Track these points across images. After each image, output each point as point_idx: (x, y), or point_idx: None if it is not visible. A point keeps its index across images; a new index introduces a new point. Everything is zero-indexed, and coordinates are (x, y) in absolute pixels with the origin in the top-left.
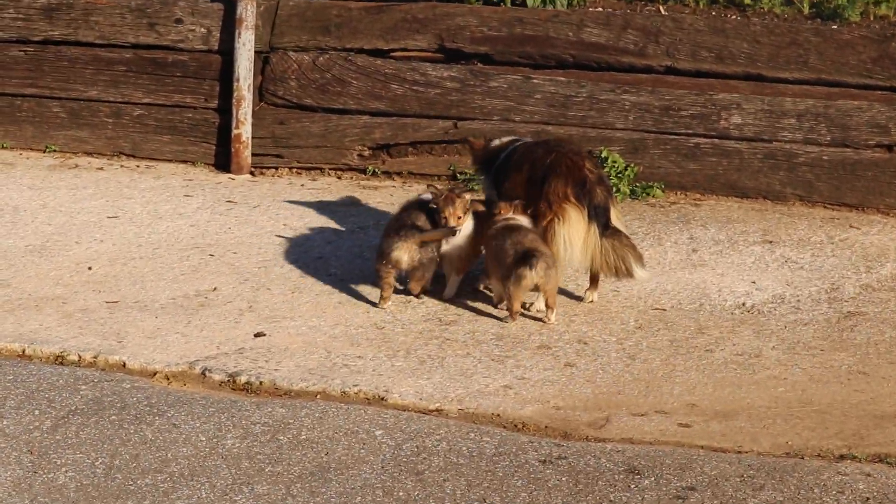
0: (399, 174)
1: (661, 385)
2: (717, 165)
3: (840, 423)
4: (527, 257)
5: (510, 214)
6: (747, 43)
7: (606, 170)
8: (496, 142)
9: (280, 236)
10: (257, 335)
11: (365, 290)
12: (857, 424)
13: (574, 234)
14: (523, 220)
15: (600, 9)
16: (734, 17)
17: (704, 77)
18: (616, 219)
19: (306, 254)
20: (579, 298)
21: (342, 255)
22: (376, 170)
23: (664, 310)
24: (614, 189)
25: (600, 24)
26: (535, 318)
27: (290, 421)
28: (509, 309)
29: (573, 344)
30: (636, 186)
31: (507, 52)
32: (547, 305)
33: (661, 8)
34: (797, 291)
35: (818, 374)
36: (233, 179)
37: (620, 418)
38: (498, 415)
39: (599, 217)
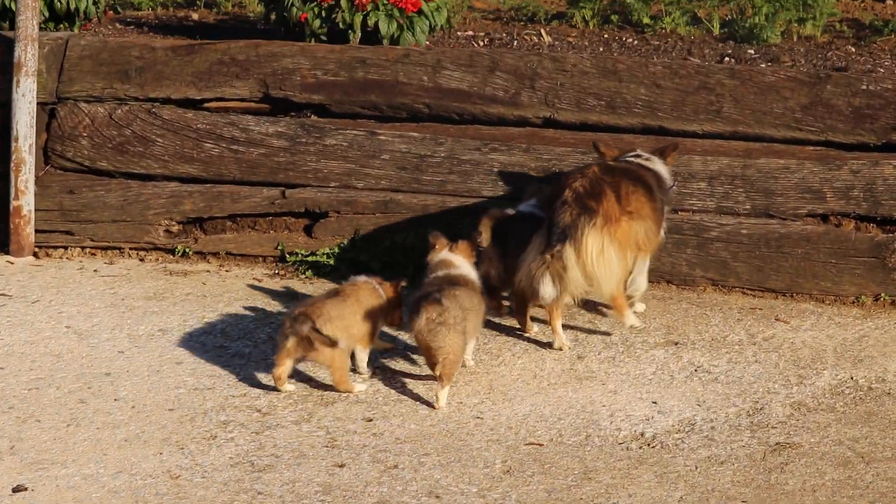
0: (215, 255)
1: None
2: None
3: None
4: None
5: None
6: (645, 87)
7: None
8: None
9: (61, 344)
10: (16, 489)
11: (160, 419)
12: None
13: None
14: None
15: (468, 33)
16: (629, 39)
17: (592, 130)
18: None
19: (91, 369)
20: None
21: (135, 371)
22: (187, 250)
23: (541, 445)
24: None
25: (462, 65)
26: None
27: None
28: None
29: (422, 498)
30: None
31: (347, 102)
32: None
33: (542, 31)
34: (711, 414)
35: None
36: (11, 263)
37: None
38: None
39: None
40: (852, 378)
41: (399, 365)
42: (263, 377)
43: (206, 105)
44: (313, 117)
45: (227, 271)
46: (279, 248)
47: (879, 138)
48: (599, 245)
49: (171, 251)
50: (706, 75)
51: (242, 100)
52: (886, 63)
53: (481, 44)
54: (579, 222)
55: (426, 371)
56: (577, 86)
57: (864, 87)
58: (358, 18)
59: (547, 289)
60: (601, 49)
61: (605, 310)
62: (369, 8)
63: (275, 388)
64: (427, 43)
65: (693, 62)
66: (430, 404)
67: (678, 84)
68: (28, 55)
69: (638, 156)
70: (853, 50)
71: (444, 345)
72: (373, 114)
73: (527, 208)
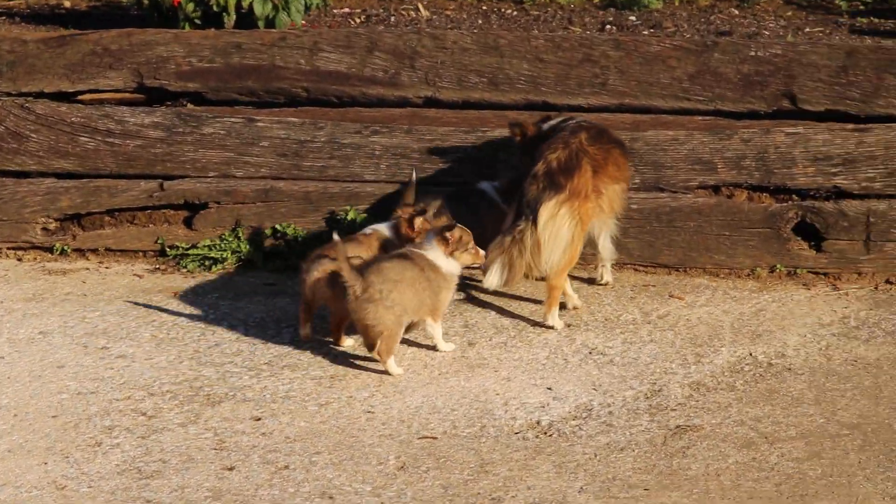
0: (94, 251)
1: None
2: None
3: None
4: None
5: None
6: (528, 62)
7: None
8: (549, 124)
9: None
10: None
11: (44, 427)
12: None
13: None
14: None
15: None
16: (509, 11)
17: (475, 108)
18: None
19: None
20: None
21: (16, 378)
22: (65, 247)
23: (434, 438)
24: None
25: (340, 46)
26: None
27: None
28: None
29: (315, 499)
30: None
31: (223, 89)
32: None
33: (420, 6)
34: (608, 398)
35: None
36: None
37: None
38: None
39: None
40: (751, 354)
41: (286, 360)
42: (148, 378)
43: (80, 98)
44: (190, 106)
45: (107, 268)
46: (159, 241)
47: (770, 105)
48: (553, 215)
49: (50, 249)
50: (590, 47)
51: (117, 91)
52: (770, 25)
53: (358, 21)
54: (542, 197)
55: (314, 366)
56: (458, 63)
57: (753, 53)
58: (232, 1)
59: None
60: (480, 21)
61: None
62: None
63: (160, 390)
64: (303, 23)
65: (576, 34)
66: (319, 401)
67: (561, 57)
68: None
69: (571, 118)
70: (736, 12)
71: (372, 321)
72: (250, 100)
73: (485, 186)
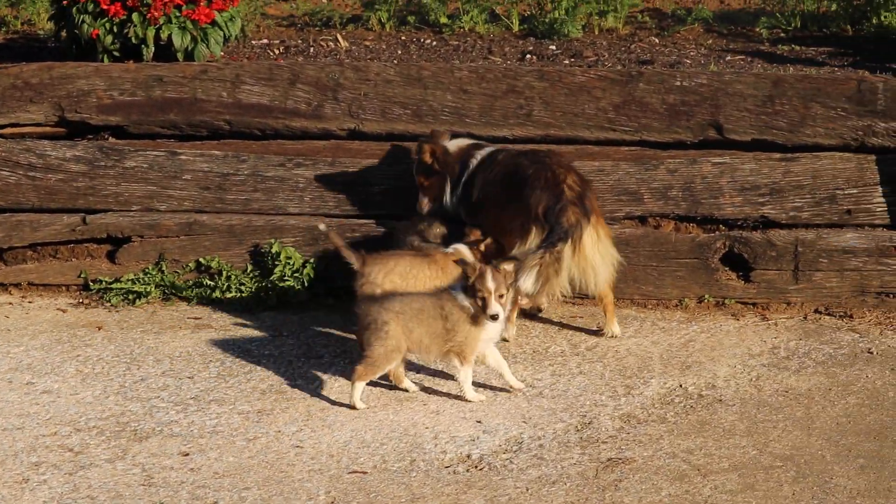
0: (17, 286)
1: None
2: None
3: None
4: None
5: None
6: (452, 94)
7: (280, 267)
8: (455, 143)
9: None
10: None
11: None
12: None
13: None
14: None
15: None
16: (428, 40)
17: (399, 140)
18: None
19: None
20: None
21: None
22: None
23: (364, 473)
24: (288, 293)
25: (262, 79)
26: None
27: None
28: None
29: None
30: (318, 288)
31: (145, 122)
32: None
33: (338, 36)
34: (538, 431)
35: None
36: None
37: None
38: None
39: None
40: (681, 386)
41: (213, 395)
42: (74, 413)
43: (0, 132)
44: (111, 139)
45: (30, 302)
46: (82, 275)
47: (696, 135)
48: (597, 239)
49: None
50: (514, 78)
51: (38, 124)
52: (692, 53)
53: (277, 52)
54: (582, 221)
55: (241, 401)
56: (381, 95)
57: (678, 83)
58: (151, 32)
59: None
60: (399, 52)
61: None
62: (162, 21)
63: (87, 426)
64: (222, 54)
65: (500, 65)
66: (247, 435)
67: (485, 89)
68: None
69: (479, 146)
70: (657, 41)
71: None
72: (173, 133)
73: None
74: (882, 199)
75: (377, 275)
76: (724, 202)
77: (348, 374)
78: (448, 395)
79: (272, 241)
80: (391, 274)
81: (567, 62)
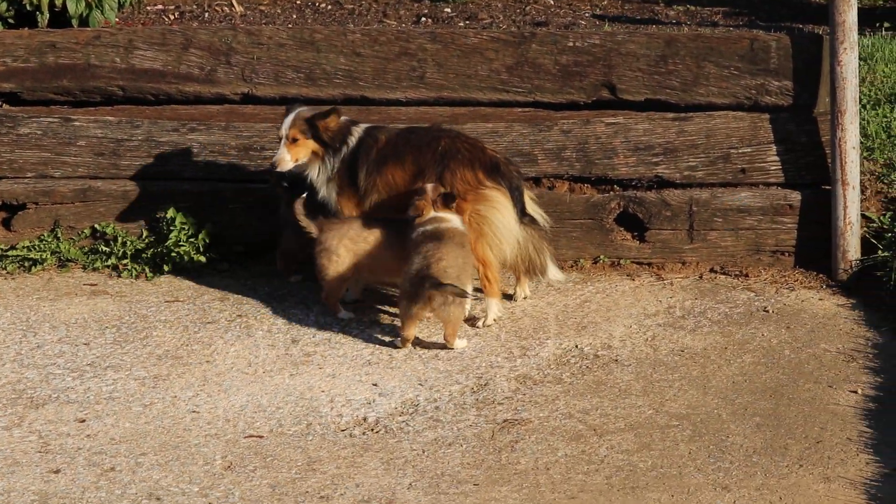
0: None
1: None
2: None
3: None
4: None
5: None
6: (345, 57)
7: (175, 232)
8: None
9: None
10: None
11: None
12: None
13: (506, 220)
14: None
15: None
16: (325, 4)
17: (291, 103)
18: (531, 205)
19: None
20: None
21: None
22: None
23: (261, 437)
24: (184, 259)
25: (155, 44)
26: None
27: None
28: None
29: (142, 500)
30: (213, 253)
31: (38, 89)
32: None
33: (233, 1)
34: (434, 394)
35: None
36: None
37: None
38: None
39: (518, 201)
40: (577, 346)
41: (109, 361)
42: None
43: None
44: (5, 106)
45: None
46: None
47: (589, 96)
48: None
49: None
50: (407, 41)
51: None
52: (587, 15)
53: (172, 18)
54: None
55: (137, 367)
56: (274, 59)
57: (571, 43)
58: None
59: None
60: (295, 17)
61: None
62: None
63: None
64: (117, 20)
65: (392, 27)
66: (143, 401)
67: (378, 51)
68: None
69: (354, 122)
70: (552, 3)
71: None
72: (66, 99)
73: None
74: (776, 158)
75: (331, 241)
76: (618, 162)
77: (244, 339)
78: (344, 358)
79: (169, 207)
80: (344, 239)
81: (462, 24)
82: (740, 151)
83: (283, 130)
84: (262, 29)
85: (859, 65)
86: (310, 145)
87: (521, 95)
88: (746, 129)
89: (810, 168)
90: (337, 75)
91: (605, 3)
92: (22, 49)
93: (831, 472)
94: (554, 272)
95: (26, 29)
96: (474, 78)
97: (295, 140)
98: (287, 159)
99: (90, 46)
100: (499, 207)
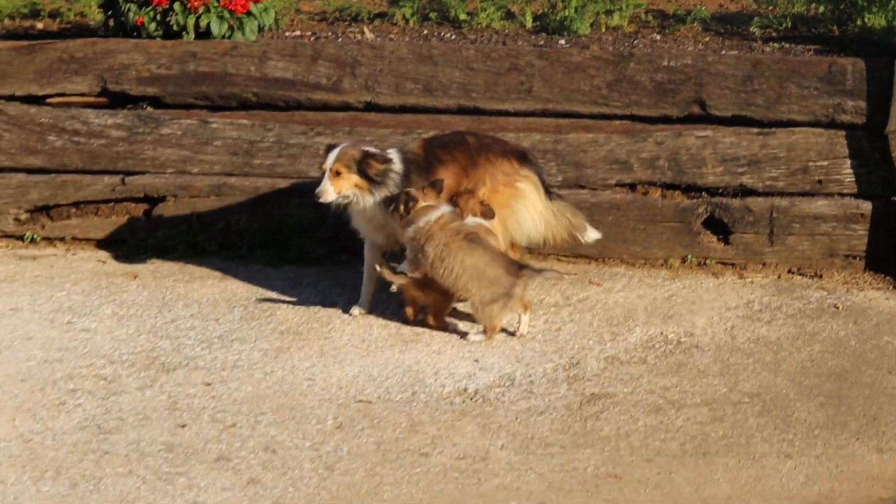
0: (62, 240)
1: None
2: None
3: None
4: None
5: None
6: (459, 71)
7: (298, 225)
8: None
9: None
10: None
11: (13, 389)
12: None
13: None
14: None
15: (296, 33)
16: (448, 34)
17: (411, 112)
18: None
19: None
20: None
21: None
22: (35, 236)
23: (370, 402)
24: (306, 250)
25: (286, 55)
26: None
27: None
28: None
29: (258, 453)
30: (335, 247)
31: (180, 94)
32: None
33: (365, 29)
34: (529, 370)
35: (558, 480)
36: None
37: None
38: None
39: (545, 184)
40: (662, 333)
41: (236, 335)
42: (109, 349)
43: (48, 101)
44: (149, 109)
45: (73, 254)
46: (123, 231)
47: (681, 111)
48: None
49: (21, 238)
50: (516, 57)
51: (82, 94)
52: (689, 49)
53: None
54: None
55: (261, 340)
56: (395, 71)
57: (666, 63)
58: (191, 20)
59: None
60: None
61: None
62: (201, 10)
63: (120, 359)
64: None
65: (504, 46)
66: (265, 370)
67: (490, 66)
68: None
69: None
70: (658, 38)
71: None
72: (205, 104)
73: None
74: (850, 171)
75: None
76: (706, 172)
77: (360, 320)
78: (450, 337)
79: (294, 202)
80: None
81: (570, 48)
82: (818, 164)
83: (328, 164)
84: (385, 44)
85: None
86: (353, 179)
87: (619, 109)
88: (824, 145)
89: (881, 181)
90: (452, 87)
91: (708, 39)
92: (165, 58)
93: (885, 445)
94: (591, 231)
95: (170, 40)
96: (577, 92)
97: (338, 174)
98: (330, 191)
99: (227, 56)
100: (530, 195)
